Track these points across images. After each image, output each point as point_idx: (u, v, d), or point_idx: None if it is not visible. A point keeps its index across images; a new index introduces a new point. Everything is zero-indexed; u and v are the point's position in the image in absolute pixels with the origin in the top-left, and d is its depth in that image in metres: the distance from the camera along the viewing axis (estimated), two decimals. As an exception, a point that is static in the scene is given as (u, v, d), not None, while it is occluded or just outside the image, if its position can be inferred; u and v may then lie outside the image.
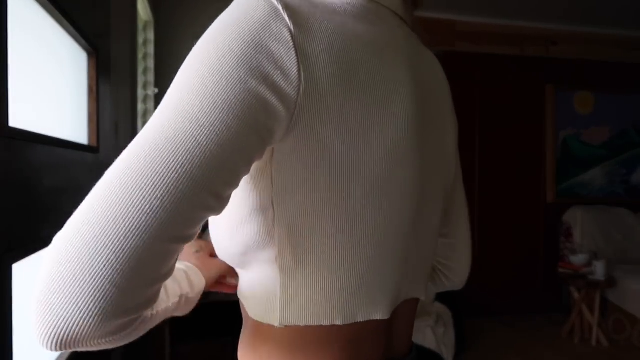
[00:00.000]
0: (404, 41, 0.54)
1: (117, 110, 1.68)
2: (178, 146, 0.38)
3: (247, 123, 0.40)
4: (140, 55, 2.74)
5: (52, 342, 0.35)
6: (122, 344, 0.40)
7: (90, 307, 0.34)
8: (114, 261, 0.35)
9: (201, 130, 0.38)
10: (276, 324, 0.50)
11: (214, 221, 0.54)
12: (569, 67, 4.11)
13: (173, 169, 0.37)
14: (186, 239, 0.40)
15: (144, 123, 2.98)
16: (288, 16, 0.43)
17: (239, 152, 0.40)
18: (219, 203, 0.41)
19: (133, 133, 2.18)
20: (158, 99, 3.12)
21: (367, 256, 0.49)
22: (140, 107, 2.66)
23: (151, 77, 3.06)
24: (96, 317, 0.34)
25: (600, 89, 4.19)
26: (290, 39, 0.42)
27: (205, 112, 0.39)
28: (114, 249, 0.35)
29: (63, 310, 0.34)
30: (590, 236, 3.83)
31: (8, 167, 0.75)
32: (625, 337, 3.38)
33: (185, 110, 0.39)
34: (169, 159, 0.37)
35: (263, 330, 0.52)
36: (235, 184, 0.42)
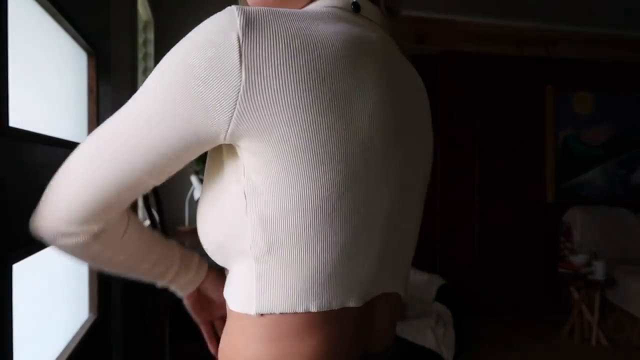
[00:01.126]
0: (381, 46, 0.57)
1: (117, 110, 1.68)
2: (116, 140, 0.53)
3: (179, 126, 0.49)
4: (140, 55, 2.74)
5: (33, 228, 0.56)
6: (77, 254, 0.57)
7: (51, 208, 0.55)
8: (72, 191, 0.54)
9: (138, 130, 0.51)
10: (252, 313, 0.52)
11: (199, 219, 0.57)
12: (569, 67, 4.12)
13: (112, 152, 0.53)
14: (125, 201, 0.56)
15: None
16: (240, 23, 0.47)
17: (167, 151, 0.51)
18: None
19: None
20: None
21: (340, 243, 0.51)
22: (140, 107, 2.65)
23: (151, 77, 3.05)
24: (54, 215, 0.55)
25: (600, 89, 4.19)
26: (236, 43, 0.47)
27: (146, 118, 0.51)
28: (80, 183, 0.54)
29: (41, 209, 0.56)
30: (590, 236, 3.83)
31: (8, 167, 0.75)
32: (625, 337, 3.38)
33: (131, 115, 0.53)
34: (112, 145, 0.53)
35: (242, 322, 0.54)
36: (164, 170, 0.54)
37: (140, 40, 2.86)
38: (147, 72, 3.01)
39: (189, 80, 0.47)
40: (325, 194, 0.49)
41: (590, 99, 4.19)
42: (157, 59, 3.12)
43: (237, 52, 0.46)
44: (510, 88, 4.04)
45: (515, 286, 4.03)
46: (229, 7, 0.49)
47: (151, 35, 3.10)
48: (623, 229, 3.94)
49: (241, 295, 0.53)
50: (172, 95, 0.48)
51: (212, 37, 0.47)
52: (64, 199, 0.54)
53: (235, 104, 0.47)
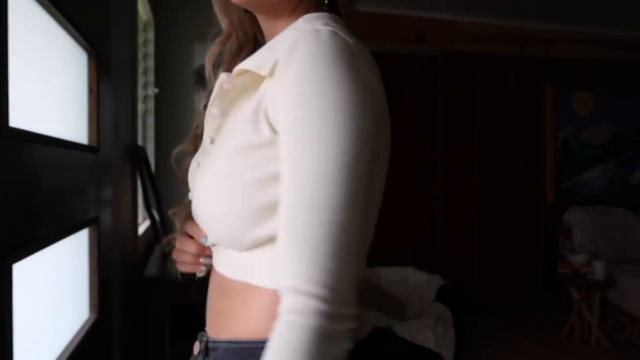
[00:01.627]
0: None
1: (117, 110, 1.68)
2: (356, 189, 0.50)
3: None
4: (140, 55, 2.74)
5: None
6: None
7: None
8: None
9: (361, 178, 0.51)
10: (259, 284, 0.58)
11: (225, 217, 0.56)
12: (569, 67, 4.11)
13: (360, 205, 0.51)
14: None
15: (144, 123, 2.98)
16: (357, 46, 0.54)
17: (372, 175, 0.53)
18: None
19: (133, 133, 2.18)
20: (158, 99, 3.12)
21: (372, 226, 0.58)
22: (140, 107, 2.66)
23: (151, 77, 3.06)
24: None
25: (600, 89, 4.19)
26: (373, 64, 0.56)
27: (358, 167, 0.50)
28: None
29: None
30: (590, 236, 3.83)
31: (8, 167, 0.75)
32: (625, 337, 3.38)
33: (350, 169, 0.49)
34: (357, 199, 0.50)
35: (254, 293, 0.58)
36: None
37: (140, 40, 2.86)
38: (147, 72, 3.01)
39: (370, 116, 0.51)
40: (381, 190, 0.58)
41: (590, 98, 4.19)
42: (157, 59, 3.12)
43: (376, 72, 0.55)
44: (510, 88, 4.04)
45: (515, 286, 4.03)
46: (330, 31, 0.52)
47: (151, 35, 3.10)
48: (623, 229, 3.93)
49: (275, 274, 0.53)
50: (364, 136, 0.50)
51: (360, 66, 0.51)
52: (349, 274, 0.49)
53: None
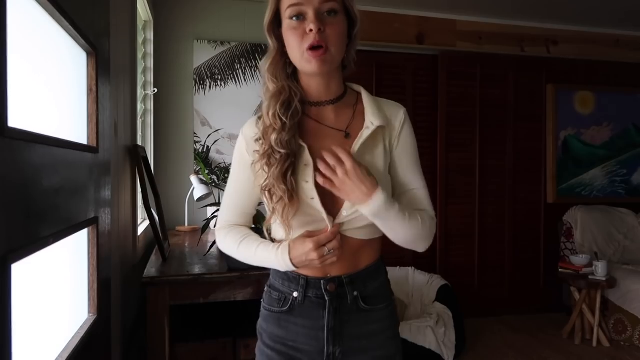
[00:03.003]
0: None
1: (116, 110, 1.68)
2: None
3: None
4: (140, 55, 2.74)
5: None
6: None
7: None
8: None
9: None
10: (378, 236, 1.13)
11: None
12: (570, 66, 4.11)
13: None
14: None
15: (144, 123, 2.98)
16: None
17: None
18: None
19: (133, 133, 2.18)
20: (157, 99, 3.12)
21: None
22: (139, 107, 2.66)
23: (151, 77, 3.06)
24: None
25: (600, 88, 4.19)
26: None
27: None
28: None
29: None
30: (591, 236, 3.83)
31: (8, 167, 0.74)
32: (626, 338, 3.38)
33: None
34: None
35: (375, 241, 1.13)
36: None
37: (140, 40, 2.86)
38: (146, 72, 3.01)
39: None
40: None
41: (591, 98, 4.19)
42: (157, 58, 3.12)
43: None
44: (510, 87, 4.04)
45: (515, 286, 4.02)
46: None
47: (151, 35, 3.10)
48: (623, 229, 3.93)
49: (379, 231, 1.10)
50: None
51: None
52: None
53: None
